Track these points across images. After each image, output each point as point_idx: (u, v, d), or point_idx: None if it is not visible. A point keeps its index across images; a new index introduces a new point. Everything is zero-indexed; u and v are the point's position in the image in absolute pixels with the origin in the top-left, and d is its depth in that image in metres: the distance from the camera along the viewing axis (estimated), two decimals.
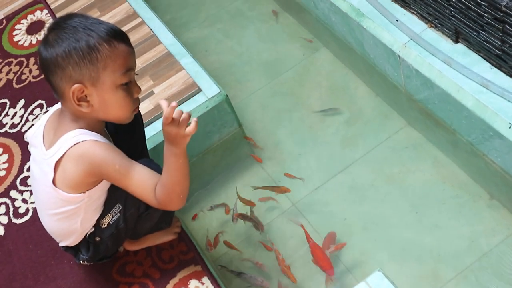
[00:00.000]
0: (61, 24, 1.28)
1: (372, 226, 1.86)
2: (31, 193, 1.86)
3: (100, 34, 1.27)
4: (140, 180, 1.31)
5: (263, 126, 2.23)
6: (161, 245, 1.60)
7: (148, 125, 1.91)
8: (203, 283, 1.51)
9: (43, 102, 2.16)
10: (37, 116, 2.11)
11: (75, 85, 1.26)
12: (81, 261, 1.54)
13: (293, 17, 2.58)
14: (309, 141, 2.14)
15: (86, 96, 1.28)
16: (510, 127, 1.54)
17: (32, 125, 2.07)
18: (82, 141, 1.29)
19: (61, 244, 1.50)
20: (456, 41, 1.76)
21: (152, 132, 1.89)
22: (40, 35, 2.46)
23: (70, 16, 1.30)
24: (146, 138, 1.85)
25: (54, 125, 1.37)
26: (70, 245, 1.49)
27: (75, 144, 1.29)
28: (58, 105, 1.42)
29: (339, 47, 2.28)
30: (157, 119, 1.92)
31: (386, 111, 2.13)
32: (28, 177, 1.92)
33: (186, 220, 1.87)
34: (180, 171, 1.31)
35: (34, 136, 1.42)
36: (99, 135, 1.33)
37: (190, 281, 1.52)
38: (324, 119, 2.18)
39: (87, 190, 1.36)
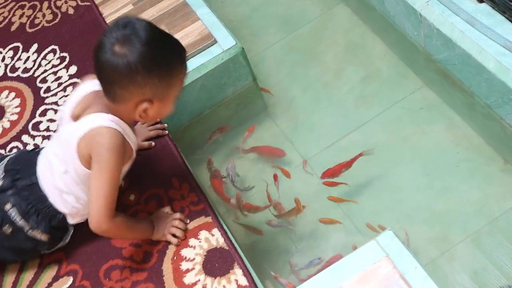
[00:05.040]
0: (138, 33, 1.24)
1: (383, 187, 1.85)
2: (43, 139, 1.86)
3: (179, 56, 1.32)
4: (110, 200, 1.34)
5: (277, 81, 2.20)
6: (172, 196, 1.60)
7: None
8: (213, 235, 1.51)
9: (56, 47, 2.14)
10: (50, 61, 2.09)
11: (146, 104, 1.29)
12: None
13: None
14: (323, 98, 2.11)
15: (147, 109, 1.31)
16: None
17: (45, 70, 2.07)
18: (107, 126, 1.31)
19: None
20: (481, 1, 1.71)
21: None
22: None
23: (147, 25, 1.27)
24: None
25: (89, 102, 1.37)
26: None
27: (99, 126, 1.31)
28: (93, 86, 1.39)
29: (358, 3, 2.24)
30: None
31: (403, 71, 2.10)
32: (40, 122, 1.92)
33: (198, 171, 1.86)
34: (135, 238, 1.52)
35: (62, 111, 1.43)
36: (128, 127, 1.37)
37: (200, 232, 1.52)
38: (340, 77, 2.15)
39: None
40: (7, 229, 1.45)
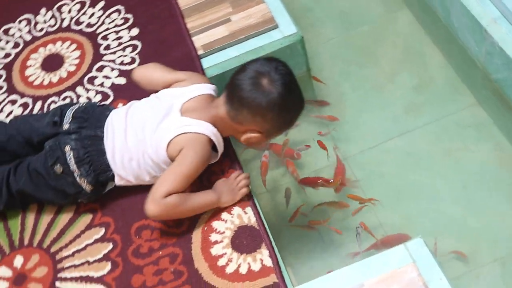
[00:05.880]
0: (285, 79, 1.43)
1: (419, 196, 1.85)
2: (96, 93, 1.91)
3: (300, 111, 1.50)
4: (170, 188, 1.42)
5: (330, 76, 2.20)
6: (212, 169, 1.62)
7: (220, 50, 1.92)
8: (246, 213, 1.53)
9: (122, 7, 2.17)
10: (113, 20, 2.13)
11: (255, 134, 1.47)
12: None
13: None
14: (373, 99, 2.11)
15: (252, 137, 1.48)
16: None
17: (107, 28, 2.11)
18: (208, 137, 1.48)
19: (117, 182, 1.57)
20: None
21: (223, 58, 1.89)
22: None
23: (292, 74, 1.46)
24: (216, 63, 1.88)
25: (202, 105, 1.52)
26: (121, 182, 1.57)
27: (202, 134, 1.47)
28: (209, 90, 1.56)
29: (423, 11, 2.22)
30: (229, 46, 1.92)
31: (457, 85, 2.08)
32: (96, 77, 1.96)
33: (238, 150, 1.89)
34: (197, 212, 1.52)
35: (174, 96, 1.54)
36: (222, 140, 1.53)
37: (233, 208, 1.54)
38: (393, 81, 2.15)
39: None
40: (59, 168, 1.51)
